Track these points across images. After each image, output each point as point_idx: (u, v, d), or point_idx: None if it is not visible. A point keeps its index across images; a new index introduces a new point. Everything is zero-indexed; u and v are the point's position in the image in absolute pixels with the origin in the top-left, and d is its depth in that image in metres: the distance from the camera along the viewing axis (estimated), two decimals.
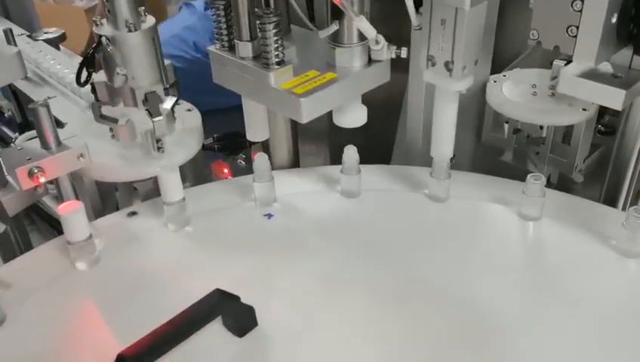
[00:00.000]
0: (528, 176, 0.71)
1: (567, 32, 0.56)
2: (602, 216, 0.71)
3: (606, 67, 0.62)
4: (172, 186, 0.69)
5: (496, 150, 0.97)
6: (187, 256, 0.70)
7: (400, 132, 0.98)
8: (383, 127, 1.03)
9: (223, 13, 0.67)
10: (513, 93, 0.86)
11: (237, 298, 0.57)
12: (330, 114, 0.74)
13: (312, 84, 0.64)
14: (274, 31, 0.62)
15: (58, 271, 0.66)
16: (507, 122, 0.94)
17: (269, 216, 0.73)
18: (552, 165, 0.91)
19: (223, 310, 0.57)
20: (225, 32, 0.68)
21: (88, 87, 0.75)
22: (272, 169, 0.76)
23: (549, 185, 0.96)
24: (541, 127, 0.90)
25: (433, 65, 0.65)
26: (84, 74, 0.71)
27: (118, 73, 0.68)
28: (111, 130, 0.77)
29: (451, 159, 0.93)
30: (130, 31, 0.67)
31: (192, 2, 1.62)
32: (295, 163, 0.86)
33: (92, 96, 0.76)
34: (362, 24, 0.61)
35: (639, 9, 0.56)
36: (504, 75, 0.91)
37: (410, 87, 0.81)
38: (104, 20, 0.69)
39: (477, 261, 0.68)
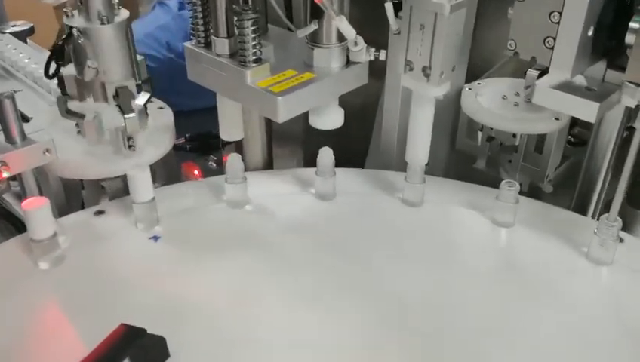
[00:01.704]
0: (502, 182, 0.71)
1: (544, 43, 0.57)
2: (574, 224, 0.72)
3: (580, 80, 0.62)
4: (142, 185, 0.67)
5: (469, 157, 0.97)
6: (155, 257, 0.68)
7: (375, 136, 0.97)
8: (359, 131, 1.02)
9: (200, 8, 0.65)
10: (487, 101, 0.87)
11: (143, 331, 0.53)
12: (305, 115, 0.73)
13: (290, 83, 0.63)
14: (252, 28, 0.61)
15: (19, 269, 0.64)
16: (481, 130, 0.94)
17: (155, 238, 0.68)
18: (524, 173, 0.91)
19: (130, 348, 0.51)
20: (201, 27, 0.66)
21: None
22: (246, 170, 0.75)
23: (520, 192, 0.97)
24: (514, 136, 0.90)
25: (411, 70, 0.65)
26: (53, 66, 0.68)
27: (89, 66, 0.66)
28: (77, 125, 0.75)
29: (425, 165, 0.94)
30: (102, 23, 0.65)
31: (167, 1, 1.59)
32: (269, 164, 0.85)
33: (57, 98, 0.74)
34: (342, 24, 0.61)
35: (615, 23, 0.56)
36: (479, 83, 0.92)
37: (386, 91, 0.81)
38: (75, 12, 0.67)
39: (449, 265, 0.67)
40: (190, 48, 0.68)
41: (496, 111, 0.85)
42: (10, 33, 1.09)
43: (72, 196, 0.85)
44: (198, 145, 1.01)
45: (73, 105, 0.72)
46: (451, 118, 0.94)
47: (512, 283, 0.65)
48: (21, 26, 1.10)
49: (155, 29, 1.52)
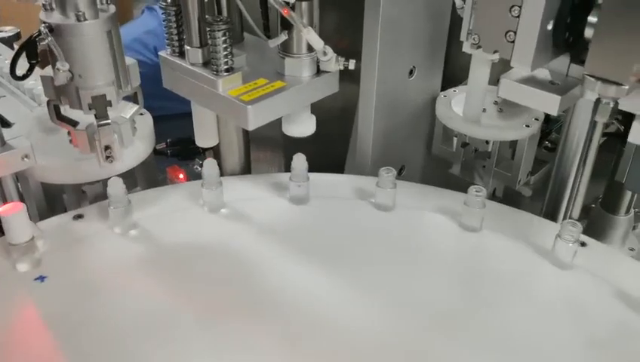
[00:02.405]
0: (470, 188, 0.73)
1: (505, 37, 0.59)
2: (540, 228, 0.74)
3: (544, 74, 0.64)
4: (117, 190, 0.69)
5: (446, 162, 0.99)
6: (132, 259, 0.69)
7: (352, 142, 0.99)
8: (339, 137, 1.04)
9: (174, 18, 0.67)
10: (461, 108, 0.89)
11: None
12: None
13: (260, 92, 0.65)
14: (223, 38, 0.63)
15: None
16: (456, 136, 0.96)
17: (41, 279, 0.65)
18: (497, 178, 0.94)
19: None
20: (176, 37, 0.68)
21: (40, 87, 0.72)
22: (224, 175, 0.77)
23: (494, 198, 0.99)
24: (487, 142, 0.93)
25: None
26: (23, 66, 0.64)
27: (58, 69, 0.60)
28: (68, 134, 0.72)
29: (401, 170, 0.96)
30: (78, 20, 0.60)
31: (155, 6, 1.61)
32: (246, 169, 0.87)
33: (43, 97, 0.73)
34: (310, 36, 0.63)
35: (574, 17, 0.58)
36: (454, 90, 0.94)
37: (361, 99, 0.83)
38: (53, 3, 0.61)
39: (418, 268, 0.69)
40: (165, 57, 0.70)
41: (467, 118, 0.87)
42: None
43: (54, 200, 0.87)
44: (179, 150, 1.03)
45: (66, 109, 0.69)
46: (427, 125, 0.97)
47: (476, 285, 0.67)
48: (8, 32, 1.12)
49: (142, 34, 1.54)
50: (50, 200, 0.85)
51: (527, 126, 0.85)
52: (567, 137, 0.81)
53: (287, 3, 0.60)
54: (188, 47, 0.67)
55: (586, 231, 1.21)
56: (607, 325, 0.63)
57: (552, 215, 0.89)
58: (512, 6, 0.57)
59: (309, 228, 0.75)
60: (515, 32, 0.57)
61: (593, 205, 1.10)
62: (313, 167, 0.82)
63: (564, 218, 0.89)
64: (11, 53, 1.03)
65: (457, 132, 0.93)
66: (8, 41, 1.11)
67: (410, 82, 0.87)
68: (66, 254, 0.69)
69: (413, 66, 0.86)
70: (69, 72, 0.62)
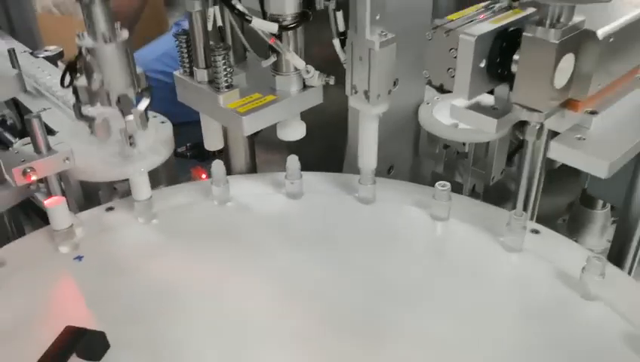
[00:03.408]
0: (436, 183, 0.85)
1: (448, 72, 0.71)
2: (498, 217, 0.85)
3: (489, 100, 0.76)
4: (141, 187, 0.84)
5: (431, 162, 1.11)
6: (153, 244, 0.84)
7: (347, 145, 1.12)
8: (338, 139, 1.17)
9: (185, 45, 0.82)
10: (441, 115, 1.01)
11: (85, 331, 0.65)
12: None
13: (254, 104, 0.79)
14: (223, 61, 0.77)
15: (45, 252, 0.81)
16: (439, 139, 1.08)
17: (79, 258, 0.80)
18: (474, 176, 1.05)
19: (77, 345, 0.63)
20: (187, 60, 0.83)
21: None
22: (233, 173, 0.91)
23: (473, 193, 1.11)
24: (464, 144, 1.04)
25: (356, 92, 0.80)
26: (68, 78, 0.83)
27: (94, 79, 0.79)
28: (90, 127, 0.86)
29: (390, 169, 1.09)
30: (105, 43, 0.78)
31: (182, 22, 1.77)
32: (252, 169, 1.01)
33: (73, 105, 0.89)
34: (293, 59, 0.76)
35: (505, 56, 0.70)
36: (437, 98, 1.06)
37: (350, 108, 0.96)
38: (85, 34, 0.80)
39: (391, 250, 0.82)
40: (178, 76, 0.85)
41: (444, 123, 0.99)
42: (43, 57, 1.27)
43: (92, 196, 1.02)
44: (197, 153, 1.17)
45: (85, 110, 0.86)
46: (414, 129, 1.09)
47: (439, 266, 0.80)
48: (52, 51, 1.28)
49: (170, 48, 1.69)
50: (88, 196, 1.01)
51: None
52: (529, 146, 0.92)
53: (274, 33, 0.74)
54: (195, 68, 0.82)
55: (568, 225, 1.33)
56: (544, 299, 0.74)
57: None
58: (451, 49, 0.69)
59: (301, 218, 0.89)
60: (454, 69, 0.70)
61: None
62: (317, 167, 0.96)
63: (532, 212, 1.01)
64: (55, 70, 1.20)
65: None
66: (52, 59, 1.28)
67: (394, 92, 0.99)
68: (99, 239, 0.84)
69: (397, 78, 0.98)
70: (101, 80, 0.80)
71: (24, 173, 0.81)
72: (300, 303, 0.74)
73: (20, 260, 0.80)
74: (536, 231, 0.84)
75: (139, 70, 0.85)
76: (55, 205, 0.79)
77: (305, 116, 0.90)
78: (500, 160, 1.02)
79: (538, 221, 1.30)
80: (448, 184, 0.85)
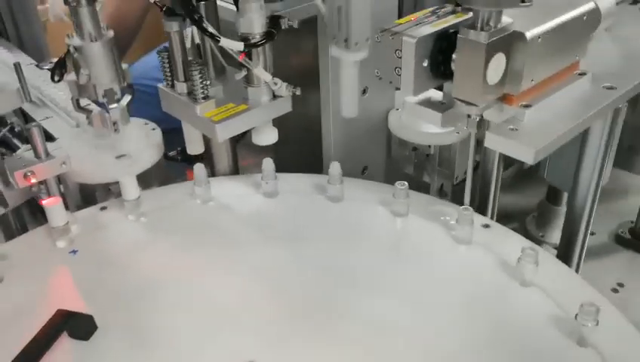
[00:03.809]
0: (396, 183, 0.94)
1: (395, 71, 0.79)
2: (451, 213, 0.93)
3: (439, 96, 0.84)
4: (129, 188, 0.94)
5: (403, 164, 1.20)
6: (141, 240, 0.94)
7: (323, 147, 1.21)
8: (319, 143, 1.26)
9: (167, 61, 0.91)
10: (409, 120, 1.09)
11: (74, 313, 0.74)
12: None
13: (227, 113, 0.88)
14: (199, 75, 0.86)
15: (43, 247, 0.91)
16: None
17: (74, 252, 0.89)
18: (440, 176, 1.14)
19: (66, 326, 0.73)
20: (169, 74, 0.92)
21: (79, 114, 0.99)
22: (215, 175, 1.00)
23: (441, 192, 1.19)
24: (429, 146, 1.13)
25: (337, 42, 0.88)
26: (58, 74, 0.93)
27: (82, 74, 0.88)
28: (87, 118, 0.98)
29: (364, 170, 1.18)
30: (92, 41, 0.87)
31: None
32: (235, 171, 1.10)
33: (80, 117, 1.00)
34: (259, 73, 0.85)
35: (444, 57, 0.78)
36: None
37: (323, 114, 1.05)
38: (74, 34, 0.89)
39: (356, 245, 0.90)
40: (162, 89, 0.94)
41: (412, 128, 1.08)
42: (47, 69, 1.37)
43: (89, 196, 1.12)
44: (187, 156, 1.26)
45: (83, 102, 0.96)
46: (386, 133, 1.17)
47: (396, 256, 0.88)
48: (54, 63, 1.38)
49: None
50: (87, 197, 1.11)
51: (457, 132, 1.05)
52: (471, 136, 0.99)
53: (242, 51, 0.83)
54: (176, 82, 0.91)
55: (536, 221, 1.40)
56: (487, 285, 0.83)
57: (480, 207, 1.08)
58: (396, 50, 0.77)
59: (276, 215, 0.97)
60: (400, 68, 0.78)
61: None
62: (299, 169, 1.04)
63: (492, 210, 1.09)
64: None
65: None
66: None
67: (364, 100, 1.08)
68: (93, 235, 0.94)
69: (366, 87, 1.07)
70: (88, 75, 0.90)
71: (25, 176, 0.91)
72: (270, 291, 0.83)
73: (22, 254, 0.90)
74: (486, 226, 0.92)
75: (124, 66, 0.94)
76: (52, 205, 0.89)
77: (289, 123, 0.99)
78: (462, 160, 1.10)
79: (510, 217, 1.39)
80: (406, 183, 0.93)
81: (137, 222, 0.96)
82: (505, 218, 1.39)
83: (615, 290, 1.19)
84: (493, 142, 0.78)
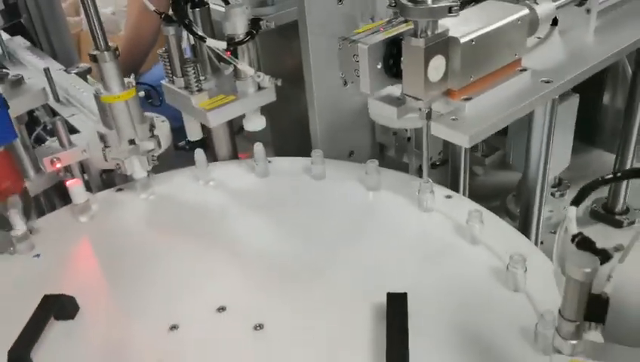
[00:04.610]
0: (367, 160, 1.07)
1: (355, 73, 0.92)
2: (415, 185, 1.06)
3: (396, 91, 0.97)
4: (137, 168, 1.09)
5: (386, 147, 1.33)
6: (147, 214, 1.09)
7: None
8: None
9: (167, 61, 1.07)
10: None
11: (60, 297, 0.83)
12: (270, 122, 1.14)
13: (218, 103, 1.03)
14: (193, 72, 1.02)
15: (69, 220, 1.07)
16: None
17: (38, 256, 0.99)
18: (418, 157, 1.26)
19: (57, 309, 0.83)
20: (169, 72, 1.08)
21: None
22: (216, 160, 1.15)
23: (419, 173, 1.31)
24: (406, 130, 1.25)
25: None
26: None
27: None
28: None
29: (351, 153, 1.31)
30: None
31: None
32: (234, 156, 1.25)
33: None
34: (243, 67, 1.00)
35: (395, 60, 0.91)
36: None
37: (309, 103, 1.18)
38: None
39: (333, 215, 1.04)
40: (164, 84, 1.10)
41: (387, 114, 1.20)
42: (74, 73, 1.55)
43: (112, 183, 1.28)
44: (194, 146, 1.41)
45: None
46: (369, 120, 1.30)
47: (366, 221, 1.01)
48: (82, 68, 1.56)
49: None
50: (110, 183, 1.27)
51: None
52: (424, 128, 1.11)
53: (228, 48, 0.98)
54: (175, 78, 1.07)
55: (515, 199, 1.51)
56: (442, 244, 0.95)
57: (453, 183, 1.20)
58: (354, 54, 0.90)
59: (266, 191, 1.12)
60: (358, 70, 0.91)
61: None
62: (295, 153, 1.18)
63: (463, 187, 1.21)
64: (82, 84, 1.48)
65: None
66: (82, 75, 1.55)
67: (347, 90, 1.21)
68: (109, 211, 1.10)
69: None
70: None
71: (52, 161, 1.08)
72: (254, 250, 0.97)
73: (51, 227, 1.06)
74: (449, 196, 1.05)
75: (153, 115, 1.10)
76: (74, 185, 1.05)
77: (285, 116, 1.13)
78: (435, 143, 1.22)
79: (494, 196, 1.51)
80: (376, 161, 1.06)
81: (147, 199, 1.12)
82: (489, 197, 1.51)
83: None
84: (437, 129, 0.91)
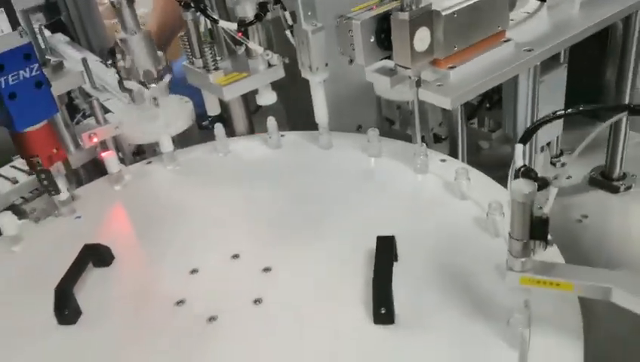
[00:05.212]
0: (369, 129, 1.18)
1: (350, 47, 1.03)
2: (413, 151, 1.16)
3: (391, 64, 1.08)
4: (164, 142, 1.23)
5: (391, 120, 1.43)
6: (173, 182, 1.23)
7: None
8: None
9: (187, 44, 1.20)
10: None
11: (98, 245, 0.98)
12: (284, 104, 1.26)
13: (232, 79, 1.16)
14: (210, 52, 1.14)
15: (105, 188, 1.22)
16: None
17: (79, 217, 1.13)
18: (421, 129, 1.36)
19: (95, 258, 0.97)
20: (189, 54, 1.21)
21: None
22: (234, 135, 1.28)
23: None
24: (407, 103, 1.35)
25: (304, 68, 1.14)
26: (110, 59, 1.23)
27: (127, 59, 1.17)
28: (130, 95, 1.25)
29: (359, 127, 1.42)
30: (132, 34, 1.17)
31: None
32: (250, 130, 1.38)
33: (129, 98, 1.30)
34: (253, 46, 1.12)
35: (387, 34, 1.01)
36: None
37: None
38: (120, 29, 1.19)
39: (336, 179, 1.15)
40: (185, 65, 1.23)
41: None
42: (110, 63, 1.70)
43: (141, 156, 1.43)
44: (214, 122, 1.55)
45: (127, 83, 1.24)
46: (375, 95, 1.41)
47: (366, 183, 1.13)
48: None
49: None
50: (137, 154, 1.42)
51: None
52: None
53: (239, 29, 1.11)
54: (194, 58, 1.20)
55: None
56: (435, 200, 1.05)
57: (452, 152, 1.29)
58: (349, 30, 1.01)
59: (277, 162, 1.24)
60: (353, 44, 1.02)
61: None
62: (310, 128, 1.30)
63: (462, 152, 1.30)
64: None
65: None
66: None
67: (352, 68, 1.31)
68: (140, 180, 1.24)
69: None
70: (131, 60, 1.18)
71: (89, 136, 1.22)
72: (266, 209, 1.09)
73: (89, 194, 1.21)
74: (443, 160, 1.15)
75: (159, 53, 1.22)
76: (109, 156, 1.19)
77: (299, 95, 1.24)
78: (434, 114, 1.32)
79: (498, 167, 1.59)
80: (377, 130, 1.17)
81: (173, 170, 1.25)
82: (493, 169, 1.59)
83: (579, 221, 1.37)
84: (424, 94, 1.02)
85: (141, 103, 1.23)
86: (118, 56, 1.23)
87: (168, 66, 1.24)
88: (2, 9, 1.01)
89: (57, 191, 1.10)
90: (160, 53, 1.23)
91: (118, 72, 1.21)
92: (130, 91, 1.21)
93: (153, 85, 1.22)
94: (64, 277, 0.92)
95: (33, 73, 1.01)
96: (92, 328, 0.89)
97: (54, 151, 1.08)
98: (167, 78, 1.24)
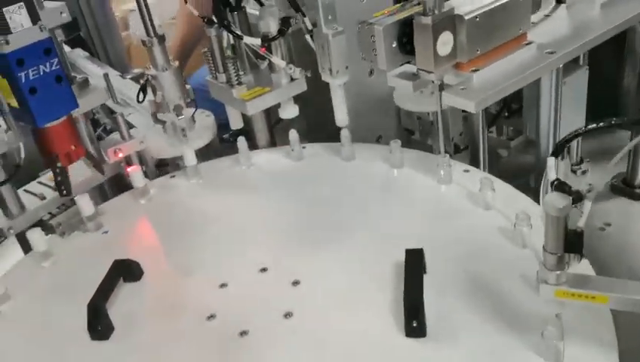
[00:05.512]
0: (391, 141, 1.18)
1: (372, 53, 1.04)
2: (435, 162, 1.16)
3: (412, 69, 1.08)
4: (188, 156, 1.24)
5: (411, 131, 1.44)
6: (197, 195, 1.24)
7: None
8: None
9: (211, 59, 1.21)
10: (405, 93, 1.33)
11: (128, 261, 0.99)
12: (306, 117, 1.28)
13: (255, 94, 1.17)
14: (233, 67, 1.16)
15: (130, 202, 1.23)
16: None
17: (106, 232, 1.15)
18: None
19: (125, 273, 0.98)
20: (213, 69, 1.22)
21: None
22: (256, 148, 1.29)
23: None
24: (428, 114, 1.36)
25: (324, 71, 1.14)
26: (141, 96, 1.26)
27: (158, 95, 1.21)
28: (163, 127, 1.32)
29: (379, 138, 1.43)
30: (163, 71, 1.21)
31: None
32: (272, 144, 1.39)
33: (151, 113, 1.32)
34: (276, 60, 1.13)
35: (409, 38, 1.01)
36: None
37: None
38: (151, 66, 1.23)
39: (361, 186, 1.16)
40: (209, 80, 1.25)
41: (413, 100, 1.32)
42: (129, 78, 1.73)
43: (163, 170, 1.44)
44: (236, 136, 1.56)
45: (160, 115, 1.30)
46: (395, 106, 1.41)
47: (390, 194, 1.13)
48: (135, 74, 1.74)
49: None
50: (160, 168, 1.43)
51: None
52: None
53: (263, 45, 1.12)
54: (217, 73, 1.21)
55: (535, 177, 1.58)
56: (458, 209, 1.05)
57: (473, 162, 1.30)
58: (371, 36, 1.02)
59: (300, 171, 1.25)
60: (375, 50, 1.03)
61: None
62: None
63: (484, 161, 1.31)
64: (136, 87, 1.65)
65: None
66: (136, 79, 1.73)
67: (372, 80, 1.33)
68: (165, 193, 1.25)
69: (372, 68, 1.32)
70: (162, 95, 1.21)
71: (114, 152, 1.24)
72: (292, 221, 1.10)
73: (115, 209, 1.22)
74: (467, 171, 1.15)
75: (187, 87, 1.27)
76: (135, 171, 1.21)
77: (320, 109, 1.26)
78: (455, 125, 1.33)
79: (518, 175, 1.59)
80: (399, 141, 1.18)
81: (197, 183, 1.27)
82: (513, 177, 1.59)
83: (602, 229, 1.37)
84: (447, 98, 1.02)
85: (173, 134, 1.27)
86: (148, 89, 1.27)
87: (193, 100, 1.27)
88: (22, 3, 0.98)
89: (69, 193, 1.11)
90: (188, 86, 1.27)
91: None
92: (163, 123, 1.23)
93: (182, 117, 1.25)
94: (96, 293, 0.93)
95: (53, 67, 1.01)
96: (125, 343, 0.90)
97: (72, 148, 1.09)
98: (190, 111, 1.27)
